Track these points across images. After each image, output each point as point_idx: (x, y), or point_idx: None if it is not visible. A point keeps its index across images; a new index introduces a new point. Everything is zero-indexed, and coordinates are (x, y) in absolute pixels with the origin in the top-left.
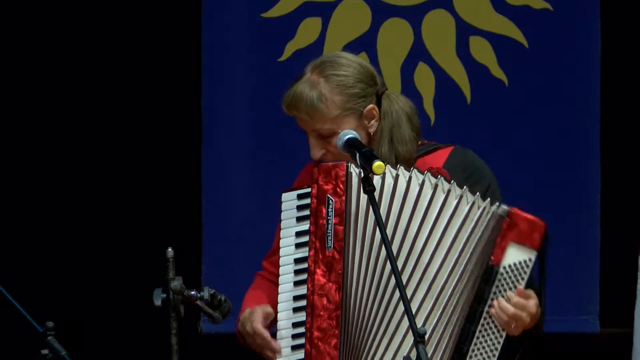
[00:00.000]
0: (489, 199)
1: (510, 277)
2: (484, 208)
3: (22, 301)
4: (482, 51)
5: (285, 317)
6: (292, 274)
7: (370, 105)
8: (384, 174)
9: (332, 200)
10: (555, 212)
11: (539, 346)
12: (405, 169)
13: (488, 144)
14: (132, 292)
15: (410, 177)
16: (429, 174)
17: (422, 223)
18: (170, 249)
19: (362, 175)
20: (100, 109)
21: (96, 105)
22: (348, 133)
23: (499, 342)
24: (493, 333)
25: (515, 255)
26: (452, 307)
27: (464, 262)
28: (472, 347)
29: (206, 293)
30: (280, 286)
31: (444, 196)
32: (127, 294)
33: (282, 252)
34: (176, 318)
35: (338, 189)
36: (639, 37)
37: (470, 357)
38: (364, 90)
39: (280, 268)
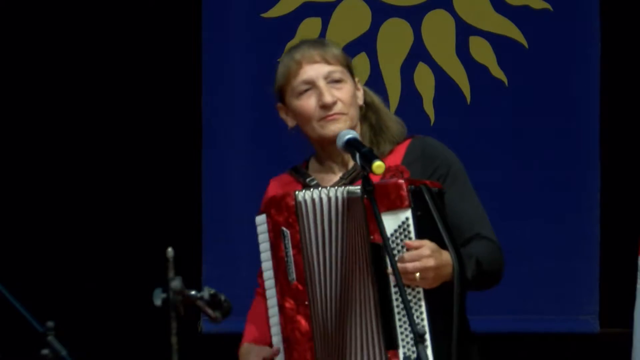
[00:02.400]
0: (336, 187)
1: (397, 245)
2: (336, 197)
3: (22, 301)
4: (482, 51)
5: (277, 342)
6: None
7: (358, 78)
8: (303, 197)
9: (287, 232)
10: (555, 212)
11: (470, 288)
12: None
13: (488, 144)
14: (132, 292)
15: (329, 197)
16: (329, 188)
17: (324, 232)
18: (170, 249)
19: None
20: (101, 109)
21: (96, 105)
22: (348, 133)
23: (419, 305)
24: (411, 301)
25: (391, 223)
26: (359, 300)
27: (339, 254)
28: (399, 323)
29: (206, 293)
30: (269, 309)
31: (327, 201)
32: (127, 294)
33: (265, 276)
34: (176, 318)
35: (290, 219)
36: (639, 37)
37: (401, 332)
38: (351, 64)
39: (267, 292)
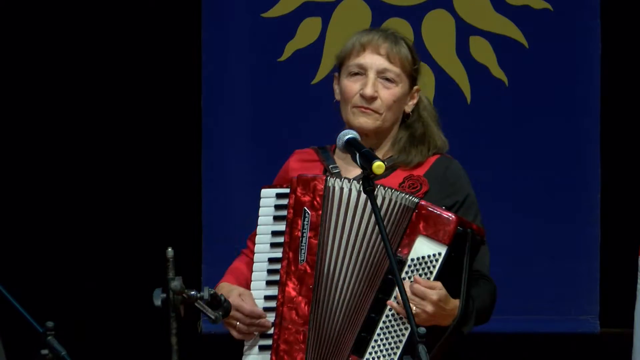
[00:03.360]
0: (402, 193)
1: (417, 271)
2: (390, 200)
3: (22, 301)
4: (482, 51)
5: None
6: (265, 272)
7: (418, 87)
8: (333, 184)
9: (308, 213)
10: (555, 212)
11: (455, 345)
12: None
13: (488, 144)
14: (132, 292)
15: (359, 190)
16: (354, 181)
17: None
18: (170, 249)
19: (363, 174)
20: (101, 109)
21: (96, 105)
22: (348, 133)
23: (403, 335)
24: (398, 325)
25: (424, 249)
26: (355, 297)
27: (366, 253)
28: (374, 336)
29: (206, 293)
30: (252, 283)
31: (356, 195)
32: (127, 294)
33: (256, 249)
34: (176, 318)
35: (315, 202)
36: (639, 37)
37: (373, 346)
38: (418, 72)
39: (254, 265)
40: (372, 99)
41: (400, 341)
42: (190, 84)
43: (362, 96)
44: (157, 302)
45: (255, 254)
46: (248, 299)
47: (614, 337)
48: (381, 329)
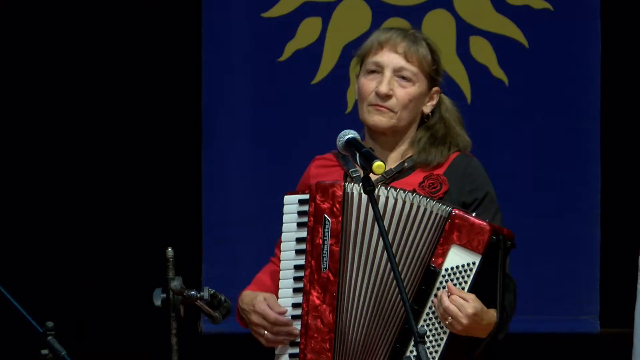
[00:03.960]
0: (433, 201)
1: (452, 280)
2: (425, 209)
3: (22, 301)
4: (482, 51)
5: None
6: (292, 280)
7: (438, 88)
8: (351, 190)
9: (328, 221)
10: (555, 212)
11: (493, 355)
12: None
13: (488, 144)
14: (132, 292)
15: (378, 195)
16: (391, 189)
17: (365, 229)
18: (170, 249)
19: (363, 175)
20: (101, 109)
21: (96, 105)
22: (348, 133)
23: (439, 344)
24: (434, 335)
25: (457, 259)
26: (389, 307)
27: (404, 261)
28: (410, 347)
29: (206, 293)
30: (280, 291)
31: (393, 202)
32: (127, 294)
33: (282, 256)
34: (176, 318)
35: (335, 209)
36: (639, 37)
37: (409, 357)
38: (440, 73)
39: (281, 273)
40: (387, 97)
41: (439, 345)
42: (190, 84)
43: (377, 94)
44: (157, 302)
45: (281, 262)
46: (274, 303)
47: (614, 337)
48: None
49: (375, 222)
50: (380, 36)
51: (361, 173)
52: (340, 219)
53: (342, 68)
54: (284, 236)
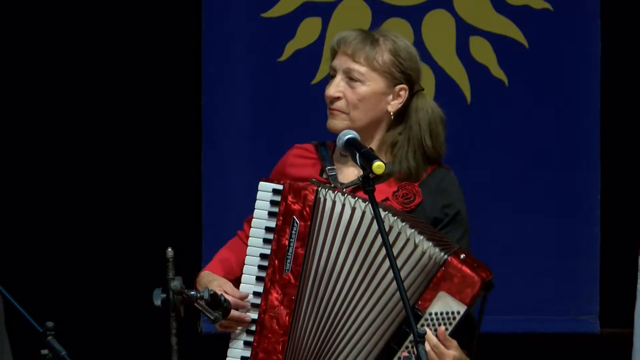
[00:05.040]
0: (430, 243)
1: (433, 325)
2: (423, 251)
3: (22, 301)
4: (482, 51)
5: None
6: (256, 267)
7: (404, 85)
8: (324, 196)
9: (297, 223)
10: (555, 212)
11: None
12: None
13: (488, 144)
14: (132, 292)
15: (354, 207)
16: (348, 196)
17: (331, 236)
18: (170, 249)
19: (363, 175)
20: (101, 109)
21: (96, 105)
22: (348, 133)
23: None
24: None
25: (444, 305)
26: (367, 341)
27: (389, 298)
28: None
29: (206, 293)
30: (243, 276)
31: (350, 212)
32: (127, 294)
33: (250, 242)
34: (176, 318)
35: (304, 212)
36: (639, 37)
37: (409, 357)
38: (407, 71)
39: (246, 258)
40: (335, 99)
41: None
42: (190, 84)
43: (327, 98)
44: (157, 302)
45: (248, 247)
46: (230, 290)
47: (614, 337)
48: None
49: (346, 233)
50: (336, 40)
51: (337, 171)
52: (309, 223)
53: None
54: (254, 222)
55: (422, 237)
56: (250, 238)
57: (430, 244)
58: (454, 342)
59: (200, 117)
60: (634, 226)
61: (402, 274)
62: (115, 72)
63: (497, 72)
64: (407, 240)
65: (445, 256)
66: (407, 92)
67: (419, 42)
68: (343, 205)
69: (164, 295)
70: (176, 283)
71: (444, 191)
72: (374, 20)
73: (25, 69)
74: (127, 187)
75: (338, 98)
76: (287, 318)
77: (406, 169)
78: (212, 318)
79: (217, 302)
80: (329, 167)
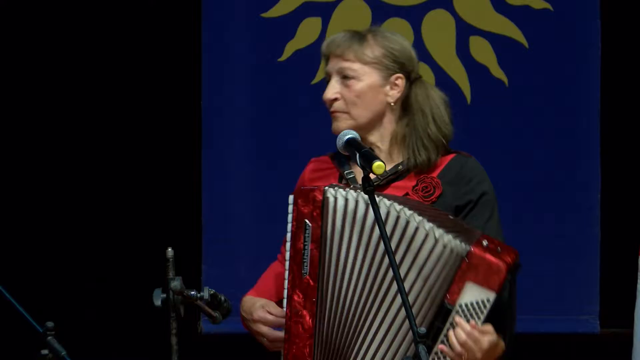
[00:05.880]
0: (450, 235)
1: (465, 316)
2: (445, 245)
3: (22, 301)
4: (482, 51)
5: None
6: None
7: (400, 74)
8: (347, 198)
9: (309, 225)
10: (555, 212)
11: None
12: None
13: (488, 144)
14: (132, 292)
15: (340, 197)
16: (394, 203)
17: (344, 234)
18: (170, 249)
19: (364, 175)
20: (101, 109)
21: (96, 105)
22: (348, 133)
23: None
24: None
25: (473, 295)
26: (400, 340)
27: (416, 295)
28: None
29: (206, 293)
30: (285, 291)
31: (354, 204)
32: (127, 294)
33: (287, 257)
34: (176, 318)
35: (314, 214)
36: (639, 37)
37: (409, 358)
38: (402, 62)
39: (287, 273)
40: (333, 101)
41: None
42: (190, 84)
43: (325, 102)
44: (157, 302)
45: (286, 262)
46: (274, 310)
47: (614, 337)
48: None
49: (353, 227)
50: (323, 46)
51: (356, 174)
52: (320, 223)
53: None
54: (287, 236)
55: (442, 231)
56: (287, 252)
57: (451, 236)
58: (489, 327)
59: (200, 117)
60: (634, 226)
61: (426, 270)
62: (115, 72)
63: (497, 72)
64: (427, 235)
65: (468, 247)
66: (405, 80)
67: (419, 42)
68: (347, 200)
69: (164, 295)
70: (176, 283)
71: (464, 177)
72: (374, 20)
73: (25, 69)
74: (127, 187)
75: (336, 99)
76: (310, 320)
77: (420, 162)
78: (212, 318)
79: (217, 302)
80: (347, 172)
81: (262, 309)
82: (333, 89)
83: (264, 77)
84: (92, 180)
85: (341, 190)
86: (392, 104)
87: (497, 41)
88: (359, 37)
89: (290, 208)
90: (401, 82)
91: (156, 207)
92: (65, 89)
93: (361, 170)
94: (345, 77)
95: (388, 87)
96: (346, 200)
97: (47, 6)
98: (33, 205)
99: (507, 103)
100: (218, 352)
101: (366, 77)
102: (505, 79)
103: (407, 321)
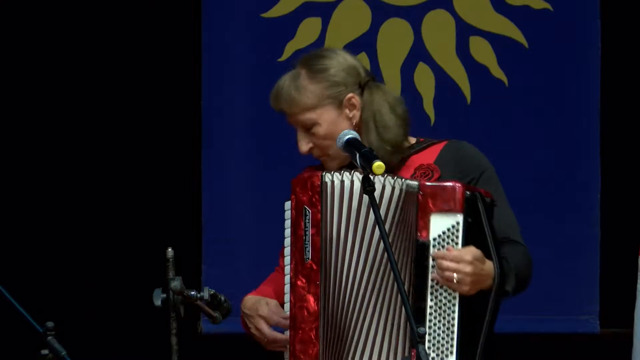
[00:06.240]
0: (396, 177)
1: (443, 247)
2: (393, 188)
3: (22, 301)
4: (482, 51)
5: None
6: None
7: (350, 94)
8: (342, 180)
9: (308, 211)
10: (555, 212)
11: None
12: (395, 156)
13: (488, 144)
14: (132, 292)
15: (337, 180)
16: (346, 172)
17: (343, 216)
18: (170, 249)
19: (363, 174)
20: (101, 109)
21: (96, 105)
22: (348, 133)
23: (453, 310)
24: (445, 304)
25: (440, 225)
26: (389, 293)
27: (372, 241)
28: (428, 324)
29: (206, 293)
30: (286, 295)
31: (351, 185)
32: (127, 294)
33: (286, 261)
34: (176, 318)
35: (314, 199)
36: (639, 37)
37: (430, 334)
38: (345, 79)
39: (286, 277)
40: (309, 152)
41: (454, 311)
42: (190, 84)
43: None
44: (157, 302)
45: (285, 267)
46: (276, 309)
47: (614, 337)
48: (430, 314)
49: (350, 207)
50: (270, 97)
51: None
52: (320, 207)
53: None
54: (285, 241)
55: (390, 178)
56: (285, 257)
57: (401, 179)
58: (469, 247)
59: (200, 117)
60: (634, 226)
61: (390, 216)
62: (115, 72)
63: (497, 72)
64: (383, 186)
65: (417, 182)
66: (358, 94)
67: (419, 42)
68: (344, 181)
69: (164, 295)
70: (176, 283)
71: (461, 159)
72: (373, 20)
73: (25, 69)
74: (127, 187)
75: (310, 150)
76: (315, 304)
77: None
78: (212, 318)
79: (217, 302)
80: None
81: (267, 306)
82: (304, 142)
83: (264, 77)
84: (92, 180)
85: (337, 174)
86: (358, 120)
87: (497, 41)
88: (295, 85)
89: (286, 214)
90: (356, 99)
91: (156, 207)
92: (65, 89)
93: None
94: (306, 128)
95: (347, 111)
96: (342, 182)
97: (47, 6)
98: (33, 205)
99: (507, 103)
100: (218, 352)
101: (323, 117)
102: (505, 79)
103: (371, 284)
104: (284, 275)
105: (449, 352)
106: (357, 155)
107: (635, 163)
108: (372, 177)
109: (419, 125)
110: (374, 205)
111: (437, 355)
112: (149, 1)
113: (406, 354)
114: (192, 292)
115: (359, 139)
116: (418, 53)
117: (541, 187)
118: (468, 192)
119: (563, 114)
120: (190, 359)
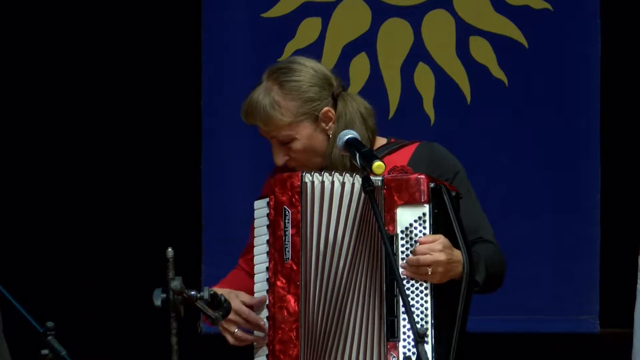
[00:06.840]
0: (356, 175)
1: (412, 239)
2: (353, 184)
3: (22, 301)
4: (482, 51)
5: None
6: (266, 282)
7: (326, 108)
8: (323, 180)
9: (288, 211)
10: (555, 212)
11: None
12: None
13: (488, 144)
14: (132, 292)
15: (343, 182)
16: (335, 174)
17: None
18: (170, 249)
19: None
20: (101, 109)
21: (96, 105)
22: (348, 133)
23: (426, 301)
24: (418, 295)
25: (408, 217)
26: (369, 291)
27: (354, 242)
28: (401, 315)
29: (206, 293)
30: (255, 294)
31: (330, 186)
32: (127, 294)
33: (255, 260)
34: (176, 318)
35: (294, 199)
36: (639, 37)
37: (404, 325)
38: (318, 93)
39: (255, 276)
40: (287, 164)
41: (426, 301)
42: (190, 84)
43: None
44: (157, 302)
45: (255, 266)
46: (247, 298)
47: (614, 337)
48: (403, 306)
49: (339, 210)
50: (242, 111)
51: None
52: (300, 208)
53: (342, 68)
54: (255, 240)
55: (350, 176)
56: (255, 256)
57: (354, 176)
58: (437, 236)
59: (200, 117)
60: (634, 226)
61: (352, 213)
62: (115, 72)
63: (497, 72)
64: (343, 183)
65: (381, 177)
66: (331, 106)
67: (419, 42)
68: (332, 183)
69: (164, 295)
70: (176, 283)
71: (434, 160)
72: (374, 20)
73: (25, 69)
74: (127, 187)
75: (287, 163)
76: (295, 304)
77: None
78: (212, 318)
79: (217, 302)
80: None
81: (237, 299)
82: (279, 156)
83: None
84: (92, 180)
85: (317, 174)
86: (333, 131)
87: (497, 41)
88: (269, 102)
89: (257, 213)
90: (331, 112)
91: (156, 207)
92: (65, 89)
93: None
94: (282, 142)
95: (323, 124)
96: (322, 182)
97: (47, 6)
98: (33, 205)
99: (507, 103)
100: (218, 352)
101: (301, 133)
102: (505, 79)
103: (387, 296)
104: (245, 274)
105: (424, 343)
106: (357, 155)
107: (635, 163)
108: (372, 177)
109: (419, 125)
110: (373, 204)
111: (413, 346)
112: (149, 1)
113: (382, 351)
114: (192, 292)
115: (359, 139)
116: (418, 53)
117: (541, 187)
118: (433, 184)
119: (563, 113)
120: (190, 359)
